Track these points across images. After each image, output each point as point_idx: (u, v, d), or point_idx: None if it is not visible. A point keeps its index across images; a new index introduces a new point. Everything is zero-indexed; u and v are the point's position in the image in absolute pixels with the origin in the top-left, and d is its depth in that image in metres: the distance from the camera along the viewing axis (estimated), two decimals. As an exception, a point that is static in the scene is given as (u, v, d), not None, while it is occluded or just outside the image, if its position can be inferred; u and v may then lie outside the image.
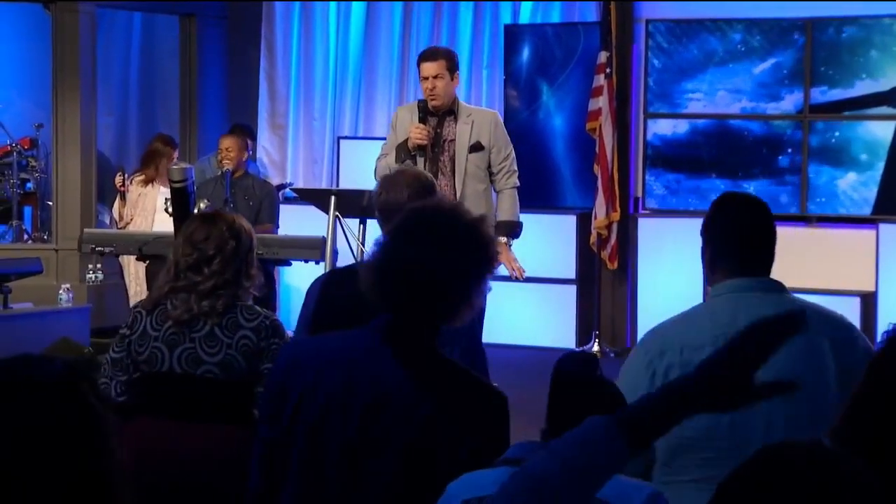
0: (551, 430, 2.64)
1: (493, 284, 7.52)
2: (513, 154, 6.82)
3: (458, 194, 6.59)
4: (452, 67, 6.75)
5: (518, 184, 6.82)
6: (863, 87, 9.61)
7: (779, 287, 3.39)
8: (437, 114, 6.72)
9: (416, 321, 2.80)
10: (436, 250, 2.75)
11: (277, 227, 9.26)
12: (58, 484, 1.79)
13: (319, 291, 4.08)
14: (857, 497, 1.60)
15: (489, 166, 6.72)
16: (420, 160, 6.60)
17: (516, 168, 6.82)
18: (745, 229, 3.40)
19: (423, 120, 6.65)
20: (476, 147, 6.67)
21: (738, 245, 3.39)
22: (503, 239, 6.68)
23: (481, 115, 6.86)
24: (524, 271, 6.89)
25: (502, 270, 6.81)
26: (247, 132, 10.57)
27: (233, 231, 4.14)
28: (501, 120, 6.90)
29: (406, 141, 6.61)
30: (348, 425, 2.78)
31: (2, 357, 1.87)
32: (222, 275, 4.07)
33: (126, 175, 10.05)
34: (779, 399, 3.17)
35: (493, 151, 6.70)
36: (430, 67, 6.70)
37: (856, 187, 9.66)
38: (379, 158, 6.75)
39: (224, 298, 4.06)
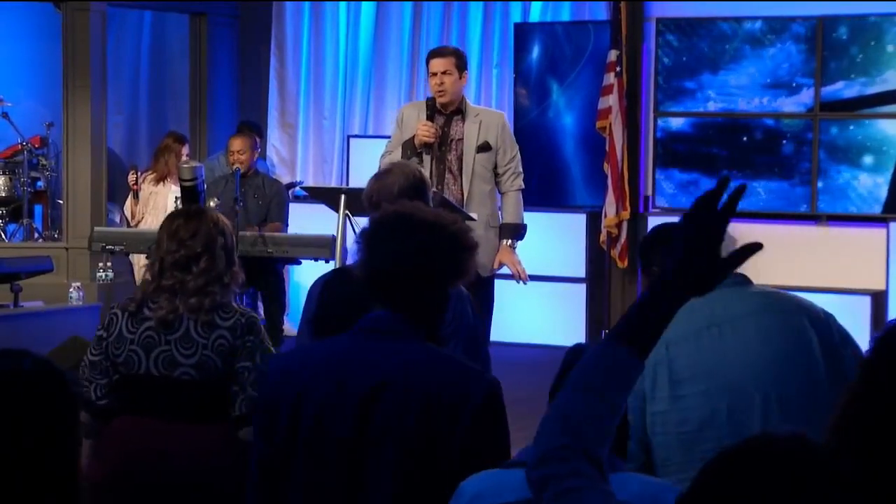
0: None
1: (499, 283, 7.42)
2: (518, 156, 6.81)
3: (465, 194, 6.60)
4: (461, 66, 6.76)
5: (522, 186, 6.82)
6: (874, 86, 9.59)
7: (746, 280, 3.43)
8: (445, 113, 6.72)
9: (403, 315, 2.87)
10: (421, 251, 2.87)
11: (287, 225, 9.27)
12: (15, 472, 1.83)
13: (320, 292, 4.06)
14: (833, 488, 1.60)
15: (495, 167, 6.72)
16: (426, 158, 6.61)
17: (521, 170, 6.82)
18: None
19: (430, 118, 6.65)
20: (484, 147, 6.67)
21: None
22: (507, 241, 6.70)
23: (489, 115, 6.86)
24: (527, 277, 6.87)
25: (506, 271, 6.82)
26: (255, 130, 10.57)
27: (218, 228, 4.07)
28: (508, 121, 6.91)
29: (413, 138, 6.61)
30: (344, 425, 2.80)
31: None
32: (211, 272, 4.00)
33: (139, 173, 10.06)
34: (770, 381, 3.21)
35: (499, 152, 6.70)
36: (438, 63, 6.71)
37: (867, 186, 9.64)
38: (383, 156, 6.74)
39: (212, 296, 3.99)
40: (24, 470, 1.84)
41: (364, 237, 2.94)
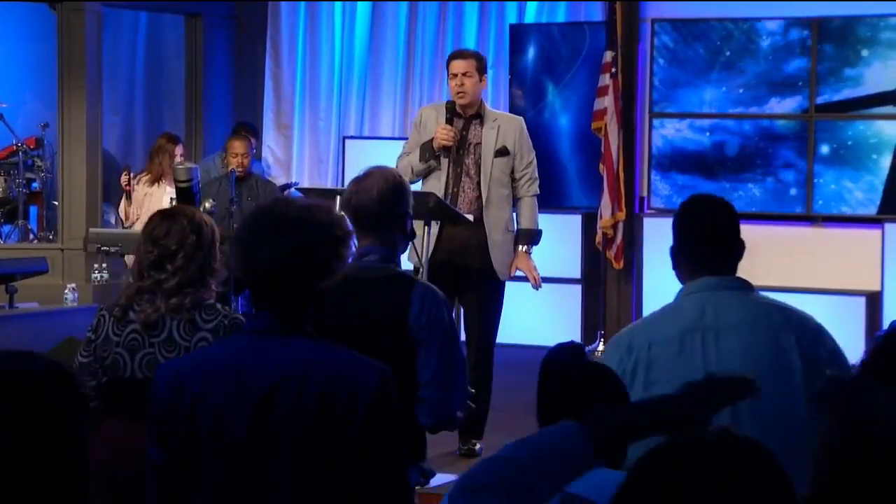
0: (544, 420, 2.67)
1: (508, 284, 7.36)
2: (535, 162, 6.86)
3: (483, 198, 6.65)
4: (481, 68, 6.80)
5: (538, 192, 6.86)
6: (869, 87, 9.60)
7: (746, 286, 3.44)
8: (464, 116, 6.74)
9: (288, 314, 2.87)
10: (299, 250, 2.84)
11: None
12: (27, 471, 1.84)
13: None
14: (759, 484, 1.61)
15: (511, 172, 6.76)
16: (444, 161, 6.65)
17: (537, 176, 6.86)
18: (709, 229, 3.47)
19: (449, 121, 6.68)
20: (502, 152, 6.72)
21: (701, 244, 3.46)
22: (523, 247, 6.75)
23: (507, 120, 6.90)
24: (541, 282, 6.95)
25: (517, 274, 6.88)
26: (251, 131, 10.59)
27: (193, 225, 4.06)
28: (525, 127, 6.93)
29: (431, 140, 6.64)
30: (242, 426, 2.82)
31: None
32: (186, 270, 4.01)
33: (132, 174, 10.05)
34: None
35: (516, 158, 6.75)
36: (459, 65, 6.75)
37: (862, 187, 9.65)
38: (400, 157, 6.79)
39: (191, 296, 4.01)
40: (35, 469, 1.86)
41: (238, 240, 2.93)
